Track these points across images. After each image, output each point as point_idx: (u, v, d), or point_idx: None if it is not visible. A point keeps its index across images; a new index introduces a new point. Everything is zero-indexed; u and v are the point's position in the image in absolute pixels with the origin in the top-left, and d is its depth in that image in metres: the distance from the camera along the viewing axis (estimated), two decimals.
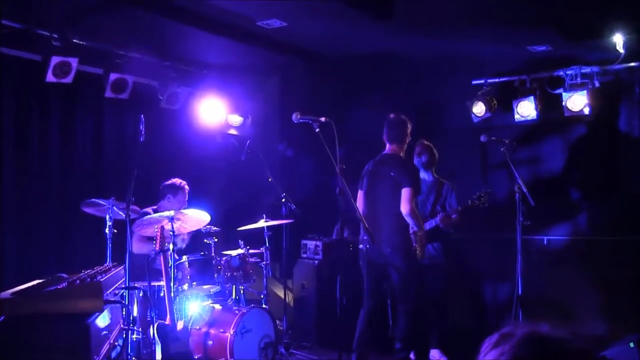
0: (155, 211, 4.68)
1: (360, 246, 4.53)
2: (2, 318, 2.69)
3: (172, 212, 4.17)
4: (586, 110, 5.35)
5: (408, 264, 4.48)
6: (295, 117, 3.76)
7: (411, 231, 4.49)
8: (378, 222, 4.44)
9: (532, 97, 5.58)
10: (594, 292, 5.27)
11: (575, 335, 1.08)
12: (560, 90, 5.51)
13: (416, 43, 5.27)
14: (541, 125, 5.72)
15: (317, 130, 3.74)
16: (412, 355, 5.18)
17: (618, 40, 4.78)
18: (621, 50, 4.86)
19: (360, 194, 4.66)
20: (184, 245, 4.94)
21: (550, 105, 5.58)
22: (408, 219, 4.38)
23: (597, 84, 5.37)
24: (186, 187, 4.96)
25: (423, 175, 5.18)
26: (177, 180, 4.95)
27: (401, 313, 4.52)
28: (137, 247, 4.58)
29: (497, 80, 5.86)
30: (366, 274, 4.50)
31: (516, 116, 5.68)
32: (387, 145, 4.65)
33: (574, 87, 5.41)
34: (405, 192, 4.36)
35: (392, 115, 4.66)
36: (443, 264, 5.18)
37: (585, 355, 1.07)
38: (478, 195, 4.77)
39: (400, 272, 4.47)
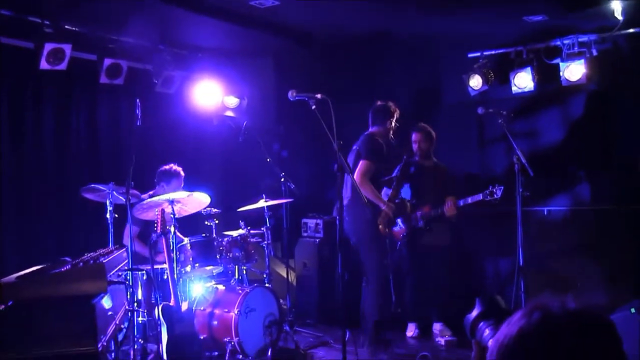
0: (151, 197, 4.67)
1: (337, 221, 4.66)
2: (10, 303, 2.72)
3: (172, 195, 4.19)
4: (584, 80, 5.30)
5: (364, 237, 4.59)
6: (291, 94, 3.74)
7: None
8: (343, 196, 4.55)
9: (529, 68, 5.52)
10: (595, 262, 5.30)
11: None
12: (557, 60, 5.44)
13: (410, 19, 5.21)
14: (539, 96, 5.67)
15: (314, 107, 3.72)
16: (415, 329, 5.25)
17: (616, 6, 4.70)
18: (619, 17, 4.79)
19: None
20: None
21: (547, 75, 5.52)
22: (361, 190, 4.35)
23: (594, 53, 5.31)
24: (181, 173, 4.79)
25: (422, 161, 5.20)
26: (171, 167, 4.78)
27: (367, 286, 4.67)
28: (137, 247, 4.59)
29: (493, 52, 5.79)
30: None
31: (513, 88, 5.62)
32: (370, 128, 4.87)
33: (572, 57, 5.34)
34: (360, 163, 4.57)
35: (378, 102, 4.88)
36: (446, 241, 5.20)
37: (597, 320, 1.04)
38: (490, 191, 4.72)
39: (358, 245, 4.62)
